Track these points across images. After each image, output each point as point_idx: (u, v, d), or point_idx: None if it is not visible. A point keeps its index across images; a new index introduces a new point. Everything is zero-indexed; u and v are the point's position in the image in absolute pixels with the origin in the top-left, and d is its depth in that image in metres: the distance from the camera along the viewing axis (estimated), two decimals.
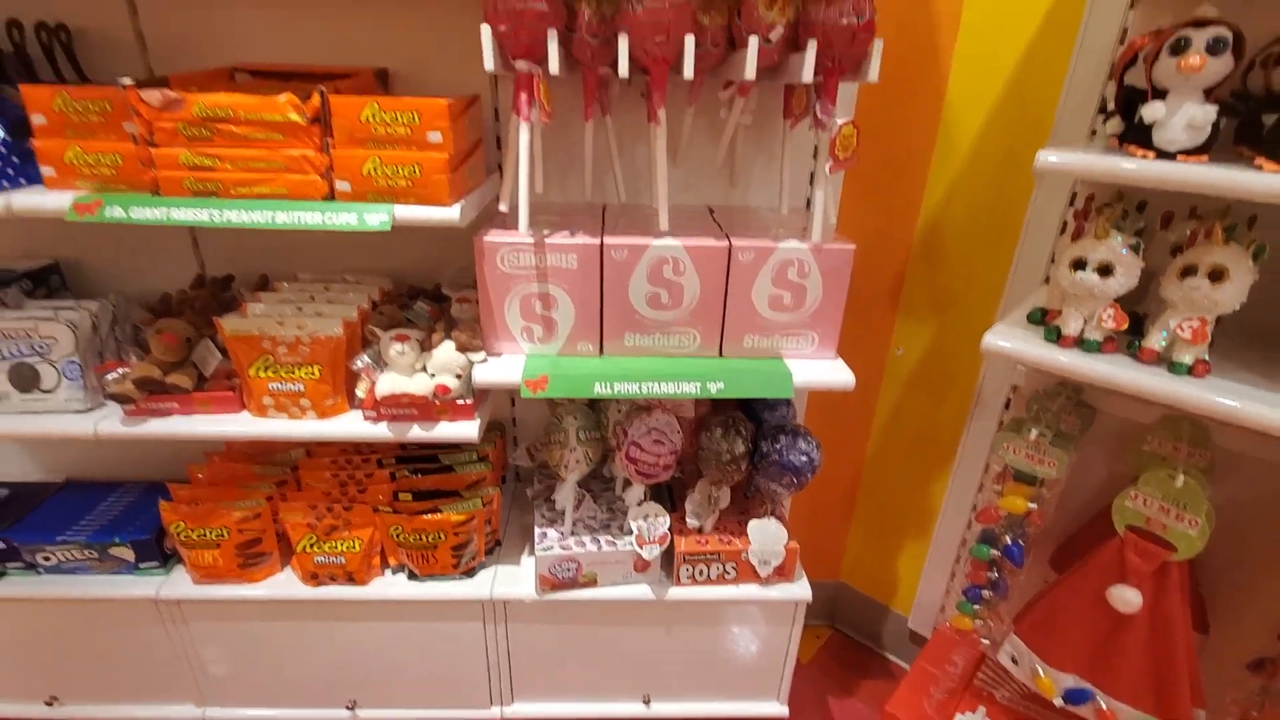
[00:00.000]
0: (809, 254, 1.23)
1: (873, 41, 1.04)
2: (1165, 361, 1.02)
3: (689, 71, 1.04)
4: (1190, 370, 1.00)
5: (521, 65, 1.06)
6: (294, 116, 1.05)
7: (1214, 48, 0.90)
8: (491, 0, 1.01)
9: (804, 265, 1.24)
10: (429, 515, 1.41)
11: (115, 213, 1.07)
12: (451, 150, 1.09)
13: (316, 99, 1.05)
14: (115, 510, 1.56)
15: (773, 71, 1.17)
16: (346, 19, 1.32)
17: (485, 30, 1.01)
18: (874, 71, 1.05)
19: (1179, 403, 0.97)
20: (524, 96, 1.07)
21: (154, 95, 1.03)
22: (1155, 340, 1.02)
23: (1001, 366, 1.53)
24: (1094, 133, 1.27)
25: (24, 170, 1.14)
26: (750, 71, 1.04)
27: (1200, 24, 0.91)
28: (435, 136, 1.07)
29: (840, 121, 1.11)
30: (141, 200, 1.08)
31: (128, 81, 1.03)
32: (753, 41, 1.02)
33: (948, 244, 1.65)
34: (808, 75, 1.05)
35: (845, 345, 1.32)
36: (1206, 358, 0.99)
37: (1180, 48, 0.92)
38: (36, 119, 1.08)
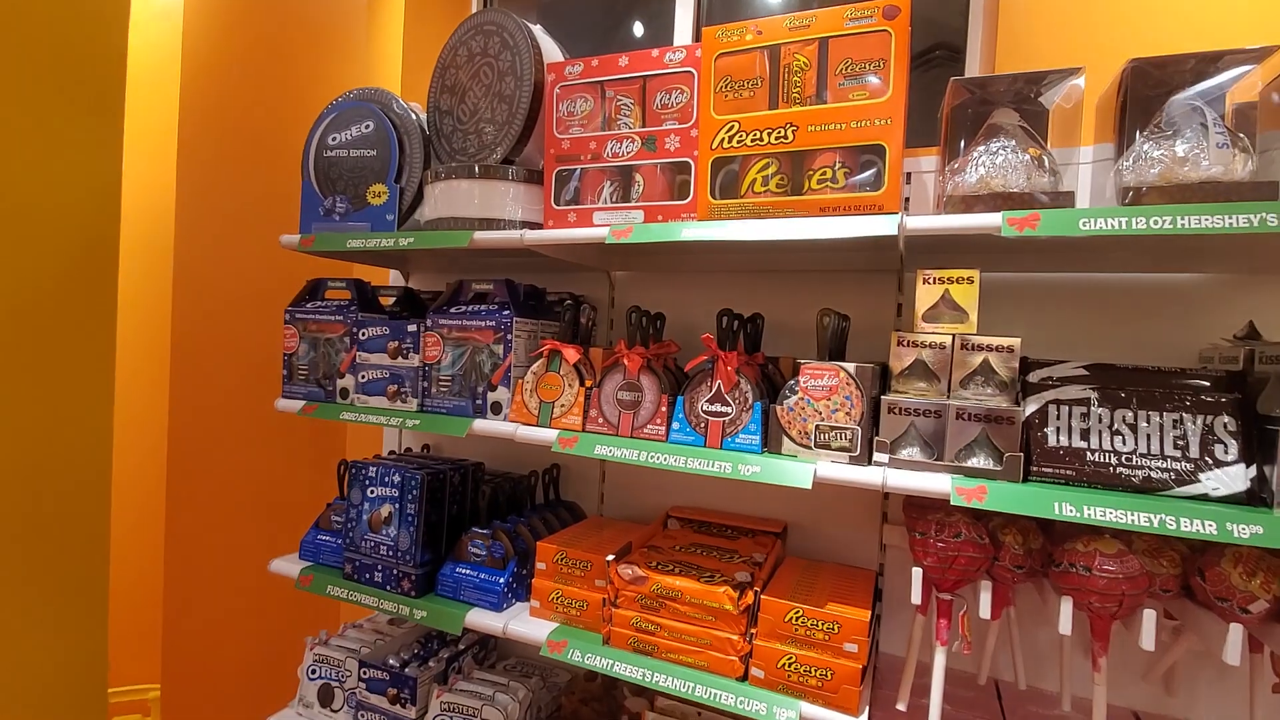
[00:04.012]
0: None
1: None
2: None
3: (1148, 644, 0.97)
4: None
5: (945, 597, 1.11)
6: (728, 606, 1.23)
7: None
8: (921, 540, 1.12)
9: None
10: None
11: (574, 656, 1.32)
12: (865, 662, 1.14)
13: (750, 596, 1.23)
14: None
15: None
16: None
17: (916, 572, 1.10)
18: None
19: None
20: (944, 623, 1.11)
21: (626, 571, 1.32)
22: None
23: None
24: None
25: (518, 593, 1.51)
26: (1234, 658, 0.93)
27: None
28: (851, 648, 1.14)
29: None
30: (595, 648, 1.32)
31: (611, 558, 1.34)
32: (1235, 630, 0.93)
33: None
34: None
35: None
36: None
37: None
38: (540, 565, 1.45)
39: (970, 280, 1.16)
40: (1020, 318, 1.38)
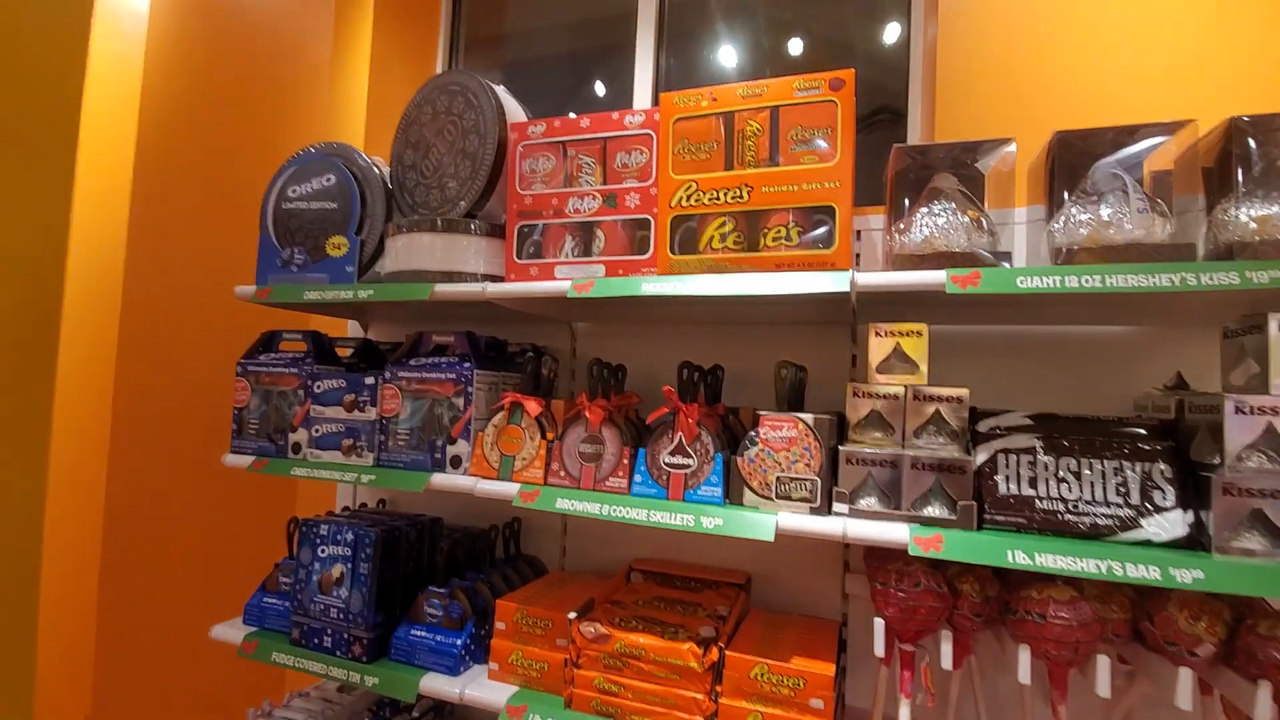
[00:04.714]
0: None
1: None
2: None
3: (1104, 691, 0.98)
4: None
5: (907, 648, 1.11)
6: (692, 664, 1.20)
7: None
8: (881, 590, 1.12)
9: None
10: None
11: None
12: (831, 718, 1.12)
13: (715, 653, 1.21)
14: None
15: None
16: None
17: (878, 623, 1.10)
18: None
19: None
20: (908, 675, 1.10)
21: (589, 629, 1.29)
22: None
23: None
24: None
25: (477, 655, 1.46)
26: (1185, 702, 0.95)
27: None
28: (817, 704, 1.13)
29: None
30: (556, 712, 1.27)
31: (573, 615, 1.31)
32: (1185, 674, 0.95)
33: None
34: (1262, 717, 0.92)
35: None
36: None
37: None
38: (499, 625, 1.40)
39: (919, 334, 1.20)
40: (967, 368, 1.44)
